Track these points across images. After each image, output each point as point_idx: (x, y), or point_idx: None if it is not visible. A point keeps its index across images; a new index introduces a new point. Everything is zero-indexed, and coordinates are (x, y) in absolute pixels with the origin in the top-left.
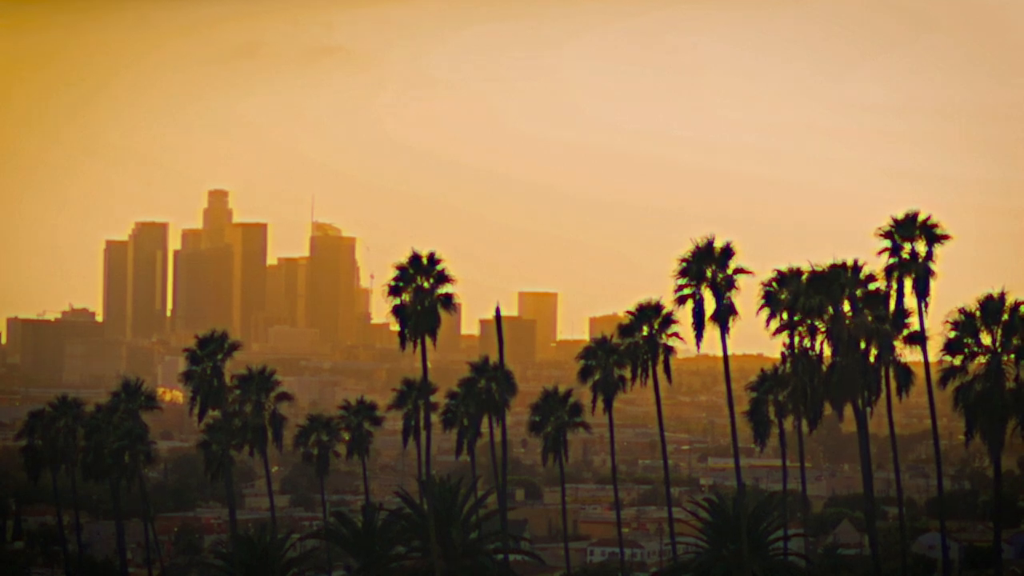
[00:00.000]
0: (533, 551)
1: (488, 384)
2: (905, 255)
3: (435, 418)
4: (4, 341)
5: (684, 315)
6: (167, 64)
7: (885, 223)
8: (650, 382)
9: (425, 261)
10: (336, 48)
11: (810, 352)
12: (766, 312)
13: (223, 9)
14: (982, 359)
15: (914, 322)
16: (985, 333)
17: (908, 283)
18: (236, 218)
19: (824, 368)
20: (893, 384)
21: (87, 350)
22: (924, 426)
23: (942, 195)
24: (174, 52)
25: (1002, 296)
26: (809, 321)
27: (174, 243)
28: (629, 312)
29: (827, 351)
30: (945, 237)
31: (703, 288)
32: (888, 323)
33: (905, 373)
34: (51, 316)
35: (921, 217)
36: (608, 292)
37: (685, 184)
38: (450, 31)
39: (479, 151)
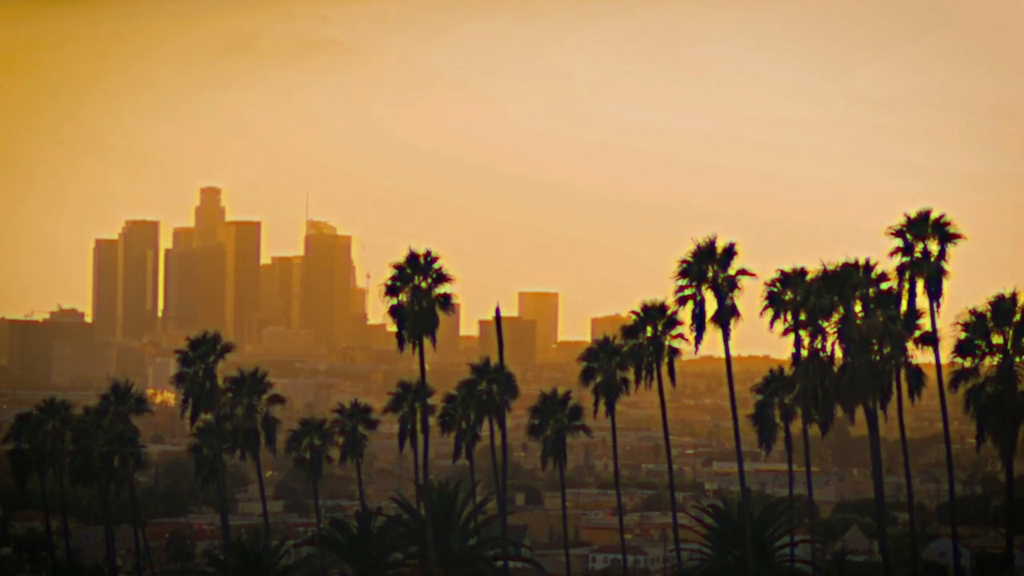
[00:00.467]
0: (533, 558)
1: (489, 386)
2: (917, 254)
3: (433, 421)
4: None
5: (686, 316)
6: (158, 58)
7: (897, 221)
8: (654, 384)
9: (422, 260)
10: (331, 42)
11: (821, 353)
12: (770, 313)
13: (215, 2)
14: (993, 361)
15: (926, 323)
16: (996, 334)
17: (920, 283)
18: (229, 216)
19: (835, 370)
20: (905, 386)
21: (76, 351)
22: (935, 429)
23: (955, 192)
24: (165, 46)
25: (1014, 296)
26: (820, 322)
27: (165, 242)
28: (633, 313)
29: (838, 352)
30: (958, 236)
31: (704, 289)
32: (900, 324)
33: (917, 375)
34: (39, 316)
35: (934, 215)
36: (610, 292)
37: (689, 181)
38: (449, 24)
39: (478, 147)
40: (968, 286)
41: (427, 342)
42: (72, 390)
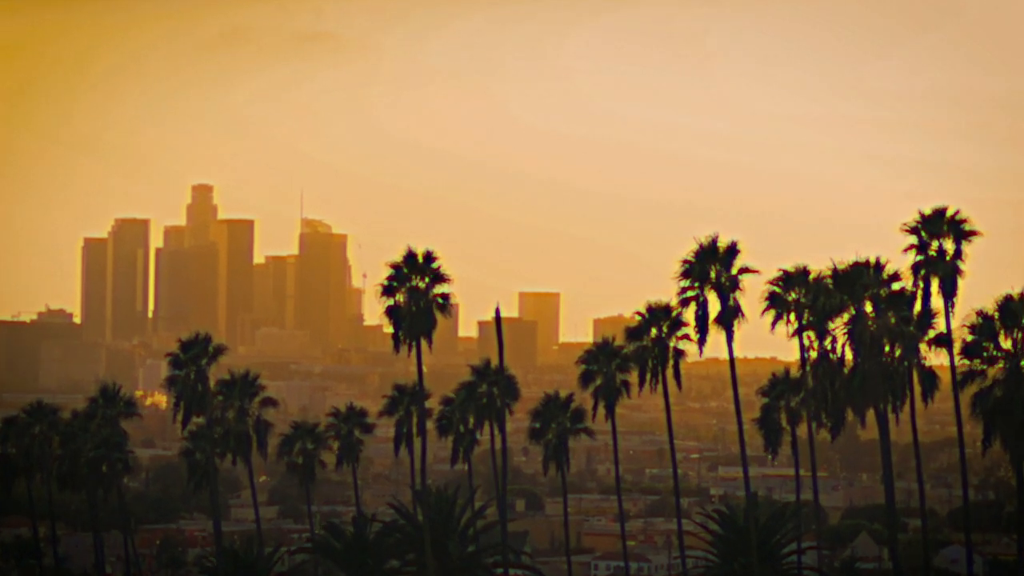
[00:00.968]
0: (534, 565)
1: (488, 389)
2: (932, 252)
3: (430, 425)
4: None
5: (689, 317)
6: (147, 51)
7: (911, 218)
8: (658, 387)
9: (420, 259)
10: (327, 35)
11: (831, 355)
12: (771, 314)
13: None
14: (1001, 363)
15: (940, 323)
16: (1004, 336)
17: (935, 282)
18: (221, 214)
19: (846, 372)
20: (918, 389)
21: (64, 353)
22: (946, 433)
23: (965, 189)
24: (155, 38)
25: (1022, 296)
26: (829, 323)
27: (156, 240)
28: (638, 313)
29: (848, 354)
30: (974, 233)
31: (707, 289)
32: (913, 324)
33: (930, 377)
34: (26, 317)
35: (949, 212)
36: (613, 292)
37: (693, 179)
38: (447, 17)
39: (477, 144)
40: (983, 285)
41: (424, 344)
42: (60, 393)
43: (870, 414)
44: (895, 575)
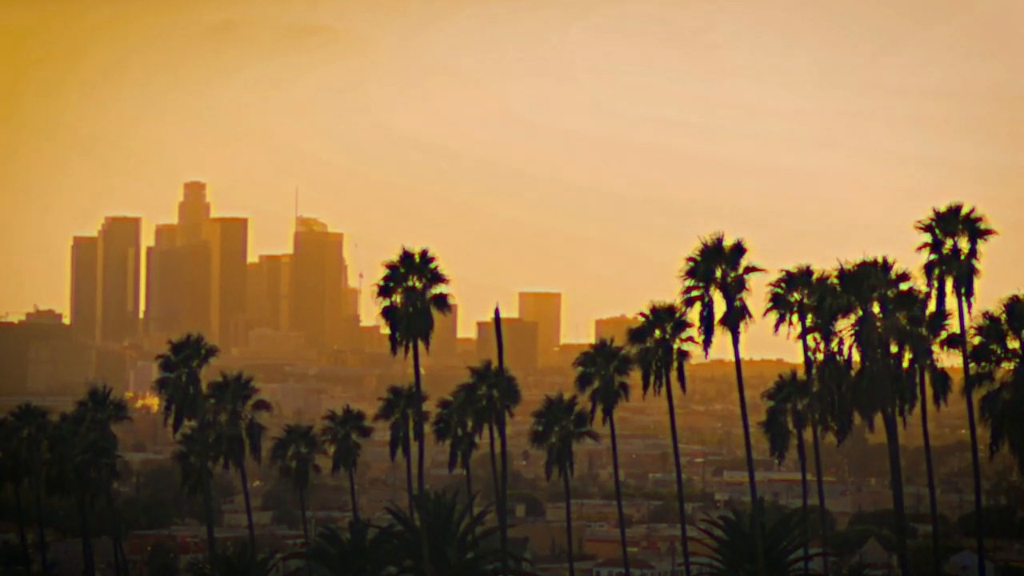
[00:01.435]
0: (535, 572)
1: (488, 391)
2: (947, 251)
3: (428, 428)
4: None
5: (694, 318)
6: (139, 46)
7: (925, 216)
8: (661, 390)
9: (417, 259)
10: (322, 28)
11: (837, 357)
12: (774, 315)
13: None
14: (1009, 366)
15: (954, 324)
16: (1012, 337)
17: (949, 281)
18: (214, 212)
19: (853, 374)
20: (929, 391)
21: (53, 355)
22: (957, 437)
23: (979, 186)
24: (146, 32)
25: None
26: (836, 324)
27: (147, 239)
28: (641, 314)
29: (855, 356)
30: (989, 231)
31: (712, 289)
32: (925, 325)
33: (943, 379)
34: (14, 318)
35: (965, 210)
36: (616, 292)
37: (698, 176)
38: (446, 10)
39: (476, 140)
40: (1000, 285)
41: (422, 345)
42: (49, 395)
43: (878, 418)
44: None
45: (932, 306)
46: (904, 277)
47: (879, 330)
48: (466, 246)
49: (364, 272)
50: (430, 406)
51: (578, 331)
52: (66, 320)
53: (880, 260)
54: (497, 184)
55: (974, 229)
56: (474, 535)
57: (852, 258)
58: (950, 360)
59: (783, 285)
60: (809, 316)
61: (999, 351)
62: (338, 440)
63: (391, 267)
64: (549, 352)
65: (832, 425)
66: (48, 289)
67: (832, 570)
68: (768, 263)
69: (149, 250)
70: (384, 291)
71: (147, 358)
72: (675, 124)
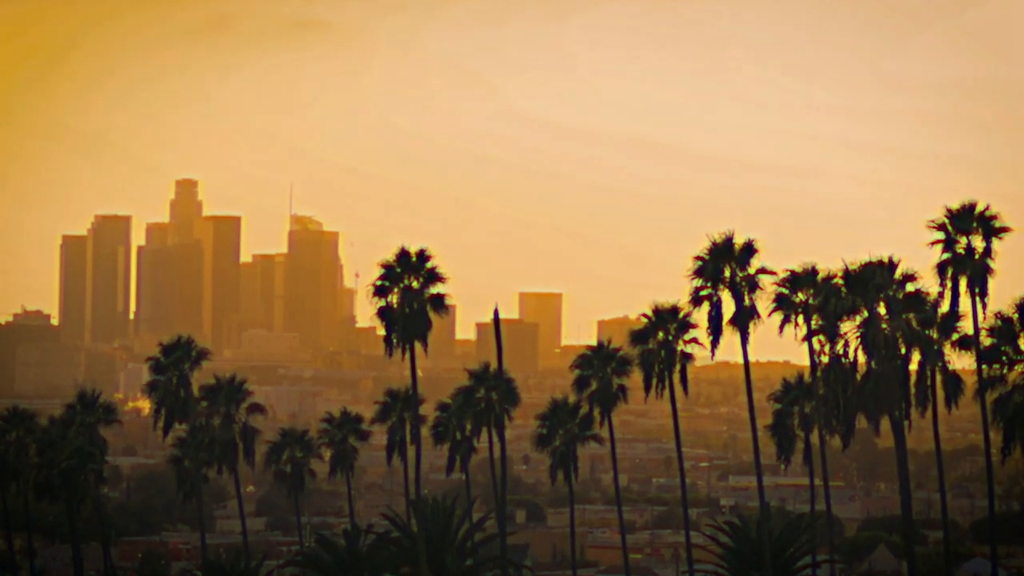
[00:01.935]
0: None
1: (487, 394)
2: (960, 250)
3: (425, 432)
4: None
5: (700, 319)
6: (129, 39)
7: (939, 214)
8: (665, 393)
9: (414, 258)
10: (317, 22)
11: (843, 359)
12: (779, 316)
13: None
14: (1022, 368)
15: (967, 325)
16: None
17: (963, 281)
18: (206, 211)
19: (859, 377)
20: (940, 394)
21: (41, 356)
22: (968, 440)
23: (998, 183)
24: (137, 25)
25: None
26: (841, 325)
27: (138, 238)
28: (644, 315)
29: (861, 358)
30: (1005, 229)
31: (721, 289)
32: (936, 326)
33: (954, 382)
34: (1, 319)
35: (979, 208)
36: (618, 292)
37: (704, 173)
38: (445, 3)
39: (475, 136)
40: (1016, 285)
41: (419, 347)
42: (37, 398)
43: (885, 421)
44: None
45: (945, 306)
46: (911, 277)
47: (885, 332)
48: (465, 245)
49: (360, 272)
50: (428, 409)
51: (580, 332)
52: (54, 321)
53: (885, 260)
54: (497, 181)
55: (989, 227)
56: (473, 541)
57: (862, 258)
58: (962, 362)
59: (788, 285)
60: (815, 317)
61: (1012, 353)
62: (335, 444)
63: (388, 267)
64: (550, 354)
65: (837, 429)
66: (36, 289)
67: None
68: (774, 262)
69: (140, 249)
70: (380, 291)
71: (137, 360)
72: (679, 120)
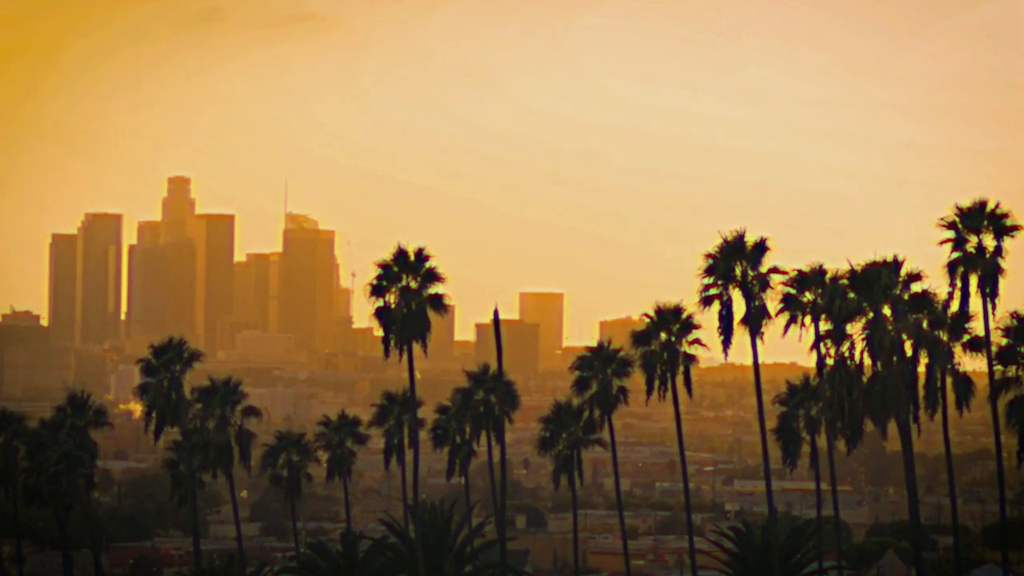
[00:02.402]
0: None
1: (486, 396)
2: (970, 249)
3: (424, 435)
4: None
5: (708, 319)
6: (120, 33)
7: (948, 212)
8: (668, 395)
9: (412, 257)
10: (311, 15)
11: (848, 361)
12: (785, 316)
13: None
14: None
15: (977, 326)
16: None
17: (973, 281)
18: (199, 209)
19: (865, 379)
20: (951, 396)
21: (30, 358)
22: (979, 444)
23: (1011, 180)
24: (128, 19)
25: None
26: (848, 327)
27: (129, 237)
28: (646, 315)
29: (868, 360)
30: (1016, 228)
31: (732, 288)
32: (947, 327)
33: (965, 384)
34: None
35: (990, 206)
36: (621, 293)
37: (710, 170)
38: None
39: (476, 132)
40: (1021, 284)
41: (417, 348)
42: (26, 401)
43: (892, 425)
44: None
45: (955, 307)
46: (916, 277)
47: (891, 333)
48: (464, 244)
49: (357, 271)
50: (426, 412)
51: (581, 333)
52: (44, 322)
53: (889, 259)
54: (497, 178)
55: (1000, 226)
56: (472, 548)
57: (869, 257)
58: (973, 364)
59: (795, 285)
60: (822, 318)
61: None
62: (332, 447)
63: (385, 266)
64: (551, 355)
65: (844, 432)
66: (25, 289)
67: None
68: (781, 261)
69: (131, 248)
70: (378, 291)
71: (128, 361)
72: (684, 115)
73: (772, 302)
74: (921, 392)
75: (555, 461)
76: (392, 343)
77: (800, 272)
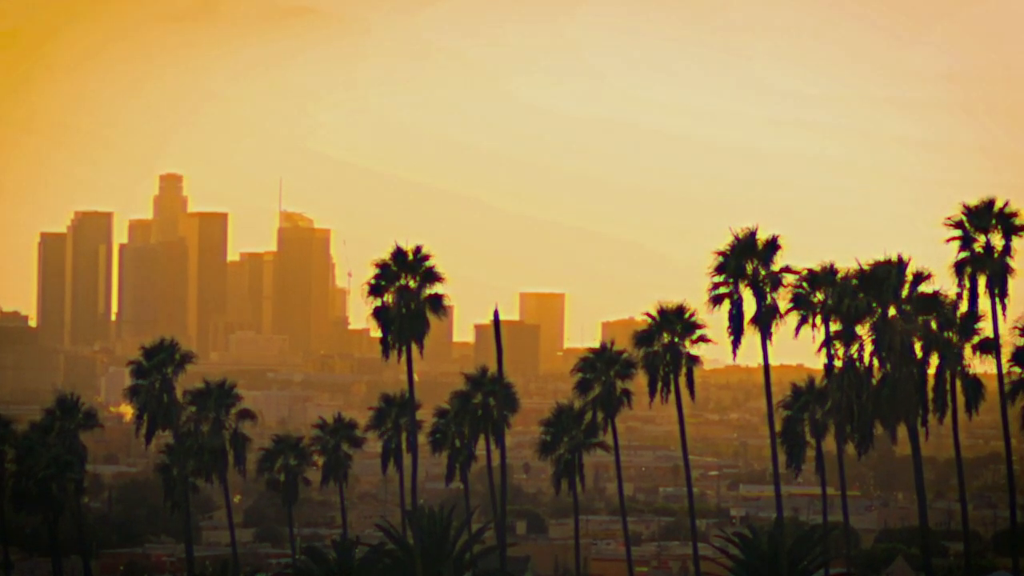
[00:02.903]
0: None
1: (485, 399)
2: (978, 248)
3: (422, 439)
4: None
5: (716, 319)
6: (112, 27)
7: (956, 211)
8: (672, 398)
9: (411, 256)
10: (308, 9)
11: (857, 363)
12: (795, 316)
13: None
14: None
15: (987, 327)
16: None
17: (981, 281)
18: (192, 207)
19: (874, 382)
20: (961, 399)
21: (19, 360)
22: (990, 448)
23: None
24: (120, 13)
25: None
26: (857, 328)
27: (120, 236)
28: (648, 316)
29: (877, 362)
30: None
31: (742, 287)
32: (956, 328)
33: (975, 386)
34: None
35: (998, 204)
36: (623, 293)
37: (715, 167)
38: None
39: (476, 129)
40: None
41: (415, 349)
42: (14, 403)
43: (901, 429)
44: None
45: (963, 307)
46: (924, 276)
47: (900, 334)
48: (463, 243)
49: (353, 271)
50: (424, 415)
51: (583, 334)
52: (32, 322)
53: (894, 259)
54: (497, 177)
55: (1008, 225)
56: (472, 554)
57: (877, 256)
58: (984, 366)
59: (805, 284)
60: (832, 318)
61: None
62: (327, 451)
63: (382, 265)
64: (552, 357)
65: (852, 436)
66: (13, 289)
67: None
68: (790, 260)
69: (122, 247)
70: (375, 291)
71: (119, 363)
72: (690, 112)
73: (782, 301)
74: (930, 395)
75: (556, 465)
76: (390, 344)
77: (811, 271)
